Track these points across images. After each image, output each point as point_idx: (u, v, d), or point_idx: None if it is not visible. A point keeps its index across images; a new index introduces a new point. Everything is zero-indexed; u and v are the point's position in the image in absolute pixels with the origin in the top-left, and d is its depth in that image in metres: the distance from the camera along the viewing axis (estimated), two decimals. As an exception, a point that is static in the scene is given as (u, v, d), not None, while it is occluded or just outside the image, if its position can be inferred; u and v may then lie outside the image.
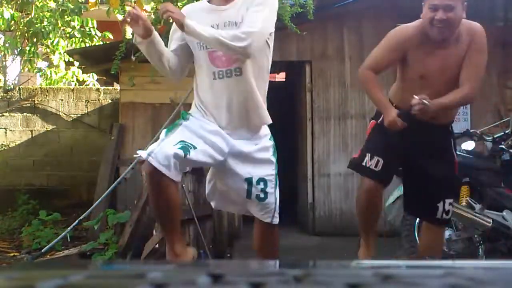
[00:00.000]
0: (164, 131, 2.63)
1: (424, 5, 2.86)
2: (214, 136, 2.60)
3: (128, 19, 2.48)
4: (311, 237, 5.93)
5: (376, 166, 2.90)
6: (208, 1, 2.70)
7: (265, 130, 2.76)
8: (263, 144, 2.72)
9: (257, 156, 2.69)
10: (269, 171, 2.70)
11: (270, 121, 2.74)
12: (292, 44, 6.09)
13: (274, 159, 2.74)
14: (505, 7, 6.21)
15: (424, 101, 2.72)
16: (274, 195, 2.71)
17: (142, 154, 2.44)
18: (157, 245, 4.23)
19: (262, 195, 2.66)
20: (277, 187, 2.74)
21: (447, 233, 3.85)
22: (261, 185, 2.66)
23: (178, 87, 5.75)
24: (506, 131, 4.06)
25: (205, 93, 2.69)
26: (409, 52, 2.91)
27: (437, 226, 3.07)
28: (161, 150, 2.40)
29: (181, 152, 2.39)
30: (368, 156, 2.95)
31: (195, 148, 2.47)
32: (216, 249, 4.81)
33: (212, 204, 2.94)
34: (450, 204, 3.02)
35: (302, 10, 5.24)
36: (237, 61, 2.58)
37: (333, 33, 6.20)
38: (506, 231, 3.84)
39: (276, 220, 2.74)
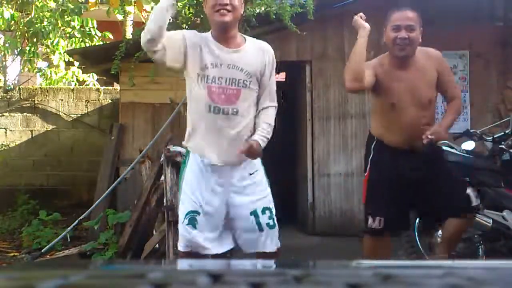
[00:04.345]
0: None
1: (385, 30, 3.21)
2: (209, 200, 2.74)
3: None
4: (311, 237, 5.93)
5: (379, 225, 3.08)
6: (213, 37, 2.73)
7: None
8: (255, 169, 2.78)
9: (252, 187, 2.75)
10: (268, 198, 2.79)
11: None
12: (292, 44, 6.09)
13: (267, 183, 2.82)
14: (505, 7, 6.20)
15: (433, 132, 2.91)
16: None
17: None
18: (157, 245, 4.24)
19: (271, 222, 2.75)
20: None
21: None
22: (268, 213, 2.75)
23: (178, 87, 5.75)
24: (506, 131, 4.05)
25: (198, 122, 2.74)
26: (378, 76, 3.16)
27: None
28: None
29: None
30: (370, 218, 3.12)
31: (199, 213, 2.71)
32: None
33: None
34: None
35: (302, 10, 5.24)
36: (236, 103, 2.68)
37: (333, 33, 6.19)
38: (506, 231, 3.83)
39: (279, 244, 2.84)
